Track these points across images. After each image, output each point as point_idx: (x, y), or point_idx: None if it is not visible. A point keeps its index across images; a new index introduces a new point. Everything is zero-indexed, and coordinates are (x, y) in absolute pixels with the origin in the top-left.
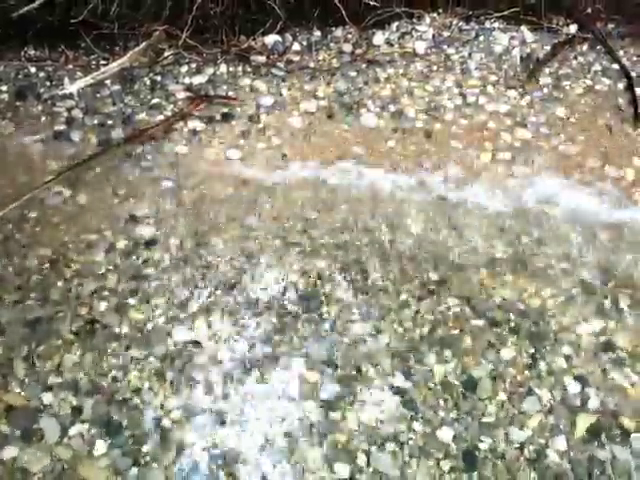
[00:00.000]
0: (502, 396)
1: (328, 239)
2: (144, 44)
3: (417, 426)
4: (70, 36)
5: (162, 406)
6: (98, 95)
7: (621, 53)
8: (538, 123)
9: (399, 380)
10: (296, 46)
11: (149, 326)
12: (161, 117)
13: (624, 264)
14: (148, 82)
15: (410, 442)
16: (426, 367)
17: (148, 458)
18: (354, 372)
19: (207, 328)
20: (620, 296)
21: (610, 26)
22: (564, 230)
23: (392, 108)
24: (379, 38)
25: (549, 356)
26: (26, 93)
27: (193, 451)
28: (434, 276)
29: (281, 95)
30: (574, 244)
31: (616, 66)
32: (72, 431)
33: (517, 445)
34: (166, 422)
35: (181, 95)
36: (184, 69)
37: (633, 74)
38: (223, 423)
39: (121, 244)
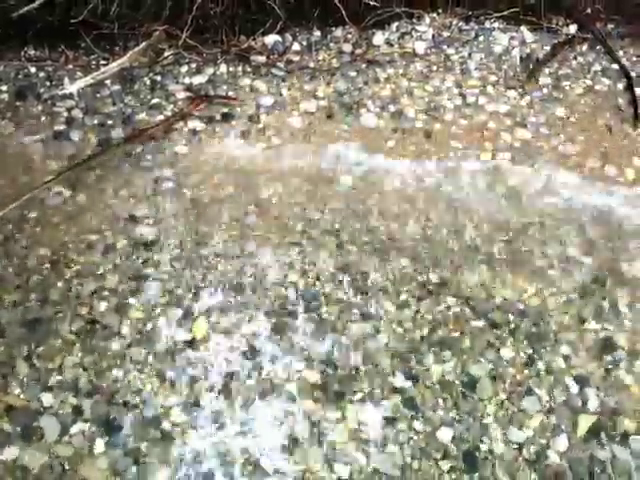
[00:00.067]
0: (502, 395)
1: (328, 239)
2: (144, 44)
3: (417, 425)
4: (70, 36)
5: (162, 406)
6: (98, 95)
7: (621, 53)
8: (538, 123)
9: (399, 380)
10: (296, 46)
11: (149, 326)
12: (161, 117)
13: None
14: (148, 82)
15: (410, 442)
16: (425, 367)
17: (148, 458)
18: (354, 372)
19: (207, 328)
20: (619, 296)
21: (610, 26)
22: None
23: (392, 108)
24: (379, 38)
25: (548, 356)
26: (26, 93)
27: (193, 451)
28: (434, 276)
29: (281, 95)
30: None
31: (616, 66)
32: (72, 430)
33: (516, 445)
34: (166, 422)
35: (181, 95)
36: (184, 69)
37: (633, 74)
38: (223, 423)
39: (121, 244)
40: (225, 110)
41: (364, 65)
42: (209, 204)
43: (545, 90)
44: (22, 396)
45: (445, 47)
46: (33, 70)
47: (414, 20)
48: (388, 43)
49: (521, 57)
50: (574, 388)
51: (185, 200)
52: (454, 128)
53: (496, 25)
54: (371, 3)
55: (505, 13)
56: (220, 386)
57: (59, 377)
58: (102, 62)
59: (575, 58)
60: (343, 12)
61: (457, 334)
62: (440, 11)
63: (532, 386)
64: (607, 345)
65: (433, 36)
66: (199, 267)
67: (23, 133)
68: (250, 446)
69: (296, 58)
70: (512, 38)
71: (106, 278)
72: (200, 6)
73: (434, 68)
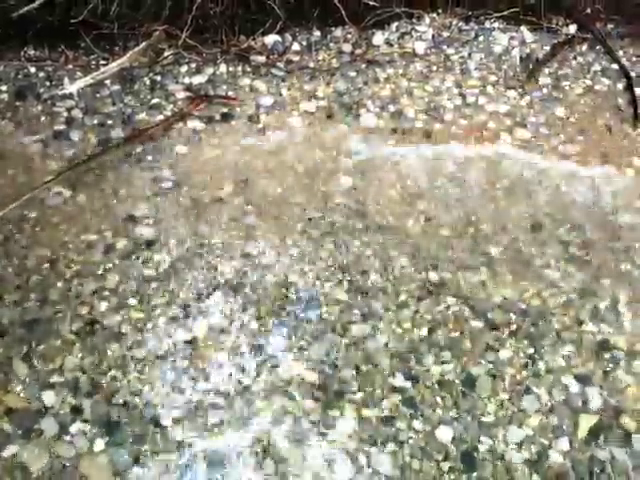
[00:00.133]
0: (502, 395)
1: (329, 239)
2: (144, 44)
3: (417, 425)
4: (70, 36)
5: (162, 405)
6: (98, 95)
7: (620, 53)
8: (538, 123)
9: (399, 380)
10: (296, 46)
11: (149, 326)
12: (161, 117)
13: None
14: (148, 82)
15: (410, 441)
16: (425, 367)
17: (148, 457)
18: (354, 372)
19: (207, 328)
20: (619, 297)
21: (610, 26)
22: None
23: (392, 108)
24: (379, 38)
25: (548, 355)
26: (26, 93)
27: (193, 450)
28: (434, 276)
29: (281, 95)
30: None
31: (615, 66)
32: (72, 430)
33: (515, 445)
34: (166, 422)
35: (181, 95)
36: (184, 69)
37: (632, 74)
38: (222, 422)
39: (121, 244)
40: (225, 110)
41: (364, 65)
42: (209, 204)
43: (545, 90)
44: (22, 394)
45: (445, 47)
46: (33, 70)
47: (414, 20)
48: (388, 43)
49: (521, 57)
50: (574, 388)
51: (185, 200)
52: (454, 128)
53: (496, 25)
54: (371, 3)
55: (505, 13)
56: (220, 386)
57: (59, 377)
58: (102, 62)
59: (575, 58)
60: (343, 12)
61: (457, 334)
62: (440, 11)
63: (530, 385)
64: (607, 345)
65: (433, 36)
66: (199, 267)
67: (23, 133)
68: (250, 446)
69: (296, 58)
70: (512, 38)
71: (106, 278)
72: (200, 6)
73: (434, 68)
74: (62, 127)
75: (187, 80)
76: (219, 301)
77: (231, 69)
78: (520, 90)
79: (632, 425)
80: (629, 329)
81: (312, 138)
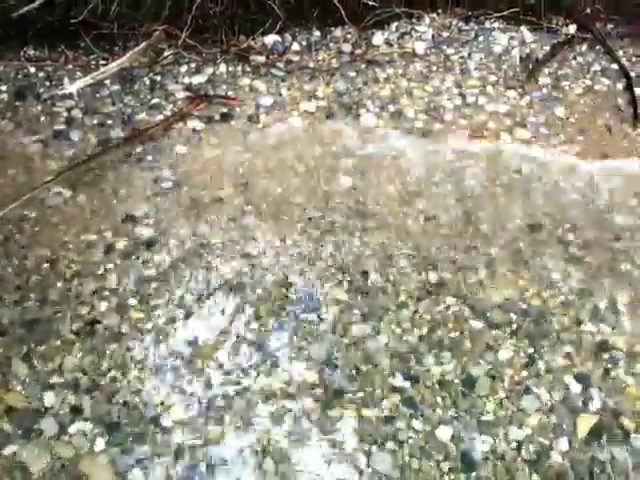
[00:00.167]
0: (501, 394)
1: (328, 239)
2: (144, 44)
3: (416, 424)
4: (70, 36)
5: (162, 404)
6: (98, 95)
7: (620, 53)
8: (538, 123)
9: (398, 380)
10: (295, 46)
11: (149, 326)
12: (161, 117)
13: None
14: (148, 82)
15: (410, 441)
16: (425, 367)
17: (148, 457)
18: (354, 372)
19: (207, 328)
20: (619, 297)
21: (609, 26)
22: None
23: (391, 108)
24: (378, 38)
25: (548, 355)
26: (26, 93)
27: (193, 450)
28: (433, 276)
29: (280, 95)
30: None
31: (615, 66)
32: (72, 429)
33: (515, 445)
34: (166, 422)
35: (181, 95)
36: (184, 69)
37: (632, 74)
38: (222, 422)
39: (121, 244)
40: (224, 110)
41: (364, 65)
42: (209, 204)
43: (545, 90)
44: (22, 394)
45: (445, 47)
46: (33, 70)
47: (414, 20)
48: (388, 43)
49: (521, 57)
50: (574, 387)
51: (185, 200)
52: (454, 128)
53: (496, 25)
54: (370, 3)
55: (505, 13)
56: (220, 386)
57: (59, 377)
58: (102, 62)
59: (575, 58)
60: (342, 12)
61: (457, 334)
62: (440, 11)
63: (531, 385)
64: (606, 345)
65: (433, 36)
66: (199, 267)
67: (23, 133)
68: (250, 446)
69: (296, 58)
70: (512, 38)
71: (106, 278)
72: (200, 6)
73: (434, 68)
74: (62, 127)
75: (187, 80)
76: (219, 301)
77: (231, 69)
78: (520, 90)
79: (632, 425)
80: (629, 329)
81: (312, 138)
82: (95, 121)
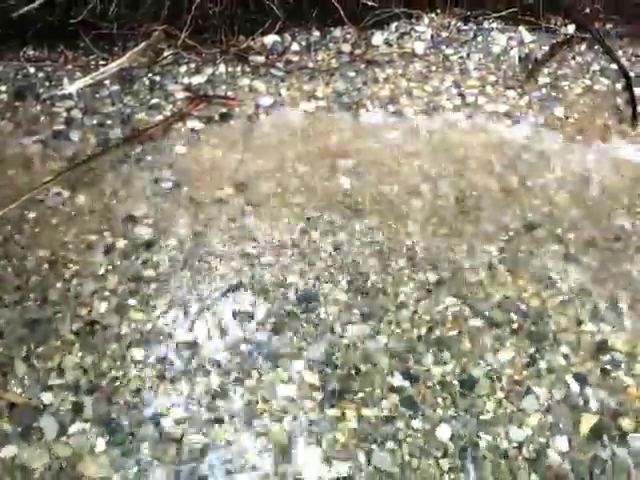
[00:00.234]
0: (500, 394)
1: (328, 239)
2: (143, 44)
3: (416, 424)
4: (69, 36)
5: (162, 405)
6: (97, 95)
7: (620, 53)
8: (537, 123)
9: (398, 380)
10: (295, 46)
11: (149, 326)
12: (160, 117)
13: None
14: (147, 82)
15: (409, 440)
16: (424, 367)
17: (148, 457)
18: (353, 372)
19: (206, 328)
20: (619, 297)
21: (608, 26)
22: None
23: (391, 108)
24: (378, 38)
25: (549, 355)
26: (25, 93)
27: (193, 450)
28: (433, 276)
29: (280, 95)
30: None
31: (614, 66)
32: (72, 430)
33: (515, 444)
34: (166, 421)
35: (180, 95)
36: (183, 69)
37: (631, 74)
38: (222, 422)
39: (120, 244)
40: (224, 110)
41: (363, 65)
42: (209, 204)
43: (544, 90)
44: (22, 394)
45: (444, 47)
46: (32, 70)
47: (413, 20)
48: (387, 43)
49: (520, 57)
50: (575, 387)
51: (185, 200)
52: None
53: (494, 25)
54: (370, 3)
55: (503, 13)
56: (219, 386)
57: (59, 377)
58: (101, 62)
59: (574, 58)
60: (342, 12)
61: (455, 333)
62: (439, 11)
63: (531, 385)
64: (605, 345)
65: (432, 36)
66: (198, 267)
67: (22, 133)
68: (250, 446)
69: (295, 58)
70: (511, 38)
71: (106, 278)
72: (199, 6)
73: (433, 68)
74: (61, 127)
75: (186, 80)
76: (218, 301)
77: (230, 69)
78: (519, 90)
79: (631, 425)
80: (629, 329)
81: (311, 138)
82: (95, 121)
